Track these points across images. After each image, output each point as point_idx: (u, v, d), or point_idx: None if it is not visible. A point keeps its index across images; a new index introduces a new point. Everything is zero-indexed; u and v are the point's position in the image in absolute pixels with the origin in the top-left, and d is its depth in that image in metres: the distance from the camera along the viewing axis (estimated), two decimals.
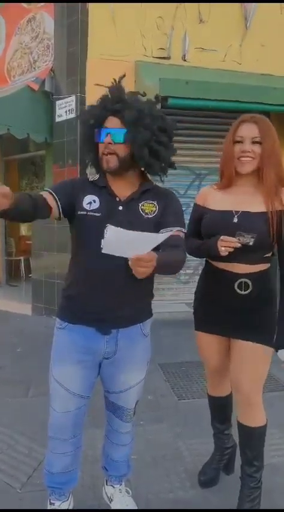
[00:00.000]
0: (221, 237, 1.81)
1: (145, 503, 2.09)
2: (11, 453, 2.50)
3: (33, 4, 6.12)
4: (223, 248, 1.81)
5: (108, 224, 1.35)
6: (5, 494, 2.16)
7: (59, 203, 1.67)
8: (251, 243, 1.78)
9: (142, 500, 2.09)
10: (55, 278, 5.59)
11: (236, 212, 1.87)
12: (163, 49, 5.46)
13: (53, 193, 1.68)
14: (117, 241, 1.33)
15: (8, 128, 5.05)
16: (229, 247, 1.78)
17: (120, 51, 5.20)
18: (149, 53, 5.42)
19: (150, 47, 5.42)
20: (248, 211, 1.85)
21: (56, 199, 1.66)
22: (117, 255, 1.36)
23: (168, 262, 1.55)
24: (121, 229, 1.31)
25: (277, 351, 1.87)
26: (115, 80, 1.73)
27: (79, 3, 5.22)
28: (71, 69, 5.35)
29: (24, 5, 6.23)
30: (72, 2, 5.28)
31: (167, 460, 2.45)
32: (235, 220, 1.86)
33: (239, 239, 1.79)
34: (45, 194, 1.66)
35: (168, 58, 5.47)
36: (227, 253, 1.81)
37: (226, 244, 1.79)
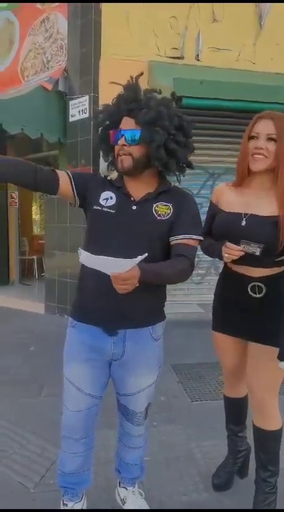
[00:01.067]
0: (226, 244, 1.78)
1: (158, 505, 2.07)
2: (24, 453, 2.51)
3: (46, 4, 6.14)
4: (226, 255, 1.78)
5: (79, 248, 1.37)
6: (18, 493, 2.16)
7: (74, 188, 1.68)
8: (257, 253, 1.74)
9: (155, 502, 2.07)
10: (68, 277, 5.61)
11: (245, 215, 1.81)
12: (176, 49, 5.43)
13: (70, 176, 1.69)
14: (90, 263, 1.37)
15: (22, 127, 5.08)
16: (233, 255, 1.76)
17: (133, 51, 5.19)
18: (162, 52, 5.40)
19: (163, 47, 5.40)
20: (258, 215, 1.79)
21: (71, 183, 1.68)
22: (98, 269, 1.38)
23: (164, 274, 1.54)
24: (90, 254, 1.32)
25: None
26: (132, 78, 1.67)
27: (93, 4, 5.23)
28: (84, 69, 5.37)
29: (38, 5, 6.26)
30: (85, 2, 5.29)
31: (180, 462, 2.44)
32: (243, 223, 1.80)
33: (244, 247, 1.75)
34: (61, 173, 1.69)
35: (182, 58, 5.44)
36: (230, 260, 1.79)
37: (229, 251, 1.77)
